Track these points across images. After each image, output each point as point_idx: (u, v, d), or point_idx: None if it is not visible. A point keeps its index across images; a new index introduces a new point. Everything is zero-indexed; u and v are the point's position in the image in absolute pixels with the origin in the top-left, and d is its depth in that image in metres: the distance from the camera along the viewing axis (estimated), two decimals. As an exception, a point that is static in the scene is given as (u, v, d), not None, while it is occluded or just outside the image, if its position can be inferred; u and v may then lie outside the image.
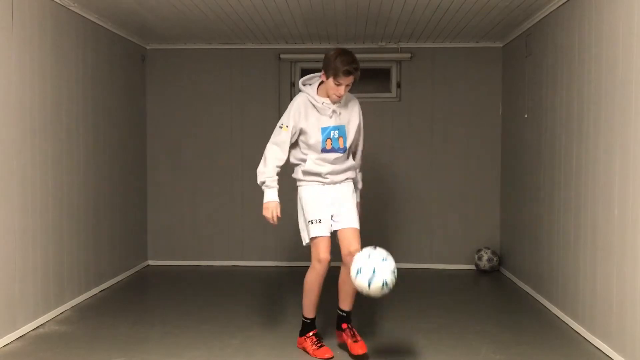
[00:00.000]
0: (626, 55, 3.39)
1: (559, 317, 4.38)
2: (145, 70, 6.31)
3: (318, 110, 3.52)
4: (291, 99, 6.30)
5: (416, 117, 6.27)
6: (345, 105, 3.61)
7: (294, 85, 6.28)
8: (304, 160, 3.56)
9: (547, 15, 4.70)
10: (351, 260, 3.28)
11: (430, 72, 6.25)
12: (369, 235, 6.33)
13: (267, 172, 3.50)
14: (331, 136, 3.52)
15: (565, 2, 4.34)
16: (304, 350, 3.63)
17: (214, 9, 4.80)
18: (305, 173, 3.56)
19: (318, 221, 3.48)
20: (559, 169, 4.45)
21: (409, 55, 6.20)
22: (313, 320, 3.67)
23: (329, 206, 3.54)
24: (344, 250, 3.51)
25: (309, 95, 3.54)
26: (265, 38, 5.95)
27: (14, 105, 3.83)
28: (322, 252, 3.47)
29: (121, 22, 5.29)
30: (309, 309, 3.65)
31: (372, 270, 3.10)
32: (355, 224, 3.57)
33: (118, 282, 5.51)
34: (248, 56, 6.30)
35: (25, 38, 3.96)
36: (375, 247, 3.20)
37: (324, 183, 3.57)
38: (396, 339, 3.94)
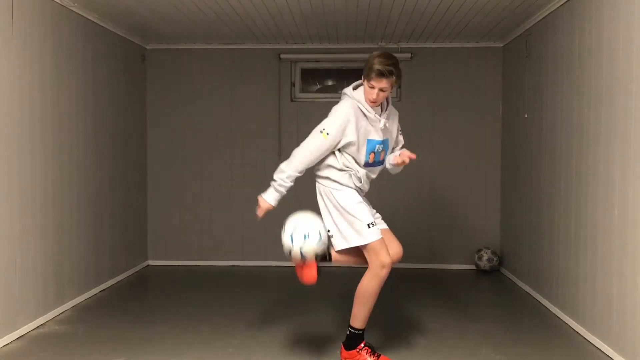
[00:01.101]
0: (626, 55, 3.39)
1: (559, 317, 4.37)
2: (145, 70, 6.31)
3: (369, 121, 3.28)
4: (291, 99, 6.39)
5: (416, 117, 6.26)
6: (391, 116, 3.42)
7: (294, 85, 6.29)
8: (358, 176, 3.33)
9: (547, 15, 4.70)
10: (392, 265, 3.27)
11: (430, 72, 6.25)
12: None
13: (285, 174, 3.25)
14: (375, 150, 3.33)
15: (565, 2, 4.33)
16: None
17: (214, 9, 4.80)
18: (347, 184, 3.33)
19: (373, 224, 3.27)
20: (559, 168, 4.45)
21: (409, 55, 6.20)
22: (363, 331, 3.40)
23: (371, 210, 3.42)
24: (396, 255, 3.37)
25: (359, 103, 3.26)
26: (265, 38, 5.94)
27: (14, 105, 3.83)
28: (385, 256, 3.23)
29: (121, 22, 5.29)
30: (362, 320, 3.35)
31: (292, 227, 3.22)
32: (385, 224, 3.48)
33: (118, 282, 5.51)
34: (248, 56, 6.30)
35: (25, 38, 3.96)
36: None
37: (361, 193, 3.43)
38: (396, 339, 3.93)
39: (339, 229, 3.30)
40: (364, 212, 3.28)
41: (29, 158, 4.01)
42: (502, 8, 4.75)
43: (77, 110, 4.72)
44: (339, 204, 3.30)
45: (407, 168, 6.24)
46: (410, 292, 5.27)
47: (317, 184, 3.41)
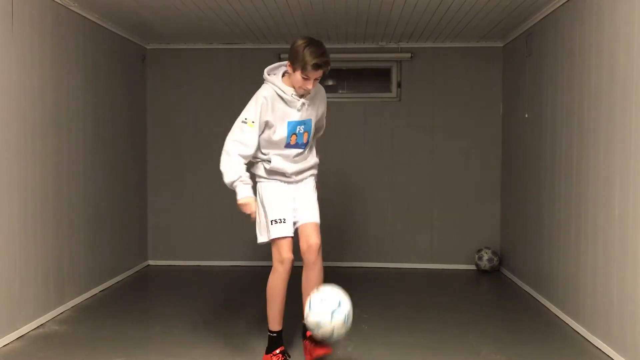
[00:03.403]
0: (627, 55, 3.39)
1: (559, 317, 4.37)
2: (145, 70, 6.30)
3: (286, 103, 3.25)
4: (291, 99, 6.37)
5: (416, 116, 6.27)
6: (313, 96, 3.33)
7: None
8: (269, 160, 3.31)
9: (547, 15, 4.70)
10: (311, 256, 3.19)
11: (431, 72, 6.25)
12: (370, 235, 6.36)
13: (237, 170, 3.21)
14: (297, 131, 3.28)
15: (565, 2, 4.33)
16: None
17: (214, 9, 4.80)
18: (270, 172, 3.33)
19: (282, 221, 3.24)
20: (559, 168, 4.45)
21: (409, 55, 6.20)
22: (279, 333, 3.36)
23: (292, 203, 3.33)
24: (304, 244, 3.28)
25: (275, 86, 3.24)
26: (265, 38, 5.94)
27: (14, 105, 3.83)
28: (284, 252, 3.22)
29: (121, 22, 5.29)
30: (274, 321, 3.33)
31: (338, 302, 2.96)
32: (316, 218, 3.35)
33: (118, 282, 5.51)
34: (248, 56, 6.30)
35: (25, 38, 3.96)
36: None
37: (287, 182, 3.36)
38: (396, 339, 3.93)
39: (258, 220, 3.34)
40: (277, 207, 3.27)
41: (29, 158, 4.01)
42: (502, 8, 4.75)
43: (77, 110, 4.72)
44: (260, 195, 3.35)
45: (407, 168, 6.26)
46: (411, 292, 5.27)
47: None
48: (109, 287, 5.29)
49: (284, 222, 3.25)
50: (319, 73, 3.15)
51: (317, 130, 3.51)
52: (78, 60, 4.74)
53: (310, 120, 3.33)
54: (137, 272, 5.99)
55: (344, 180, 6.25)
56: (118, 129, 5.57)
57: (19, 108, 3.89)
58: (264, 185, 3.38)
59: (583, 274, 3.98)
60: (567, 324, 4.21)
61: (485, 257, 6.02)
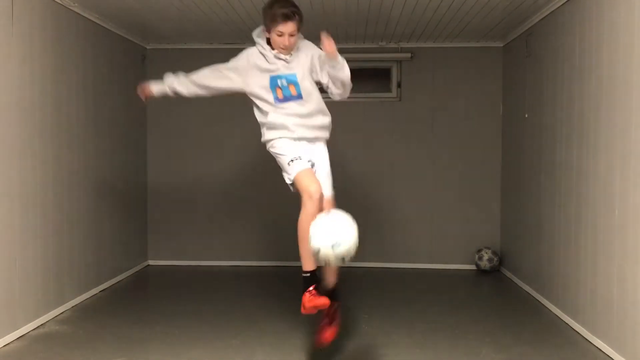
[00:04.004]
0: (627, 54, 3.39)
1: (559, 317, 4.37)
2: (146, 70, 6.30)
3: (267, 59, 3.27)
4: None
5: (416, 116, 6.27)
6: (298, 51, 3.31)
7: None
8: (267, 116, 3.31)
9: (547, 15, 4.70)
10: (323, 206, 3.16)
11: (431, 72, 6.25)
12: (370, 235, 6.35)
13: (178, 80, 3.42)
14: (279, 84, 3.25)
15: (565, 2, 4.33)
16: (307, 306, 3.17)
17: (214, 8, 4.80)
18: (271, 127, 3.30)
19: (298, 158, 3.20)
20: (559, 168, 4.45)
21: (409, 55, 6.20)
22: (314, 272, 3.20)
23: (307, 152, 3.28)
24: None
25: (259, 45, 3.30)
26: (265, 38, 5.94)
27: (14, 105, 3.83)
28: (311, 184, 3.11)
29: (121, 22, 5.29)
30: (308, 260, 3.16)
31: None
32: (330, 193, 3.31)
33: (118, 282, 5.50)
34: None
35: (25, 38, 3.96)
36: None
37: (294, 138, 3.30)
38: (396, 338, 3.93)
39: (284, 174, 3.30)
40: (291, 150, 3.25)
41: (29, 158, 4.01)
42: (502, 8, 4.75)
43: (77, 110, 4.72)
44: (276, 154, 3.33)
45: (408, 168, 6.26)
46: (411, 292, 5.27)
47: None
48: (109, 287, 5.29)
49: (300, 159, 3.21)
50: (290, 26, 3.16)
51: (332, 82, 3.34)
52: (78, 60, 4.73)
53: (294, 74, 3.28)
54: (137, 272, 5.99)
55: (343, 180, 6.25)
56: (118, 129, 5.57)
57: (19, 108, 3.89)
58: (275, 142, 3.32)
59: (583, 274, 3.98)
60: (567, 324, 4.21)
61: (485, 257, 6.02)
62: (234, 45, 6.25)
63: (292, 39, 3.21)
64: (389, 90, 6.33)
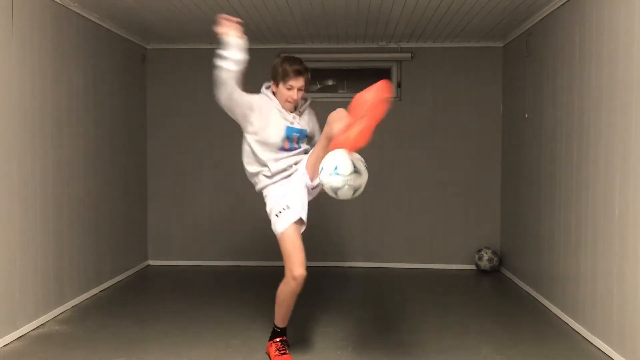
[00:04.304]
0: (627, 54, 3.39)
1: (559, 317, 4.37)
2: (146, 70, 6.31)
3: (280, 113, 3.41)
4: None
5: (416, 116, 6.27)
6: (302, 113, 3.52)
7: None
8: (266, 165, 3.42)
9: (547, 15, 4.70)
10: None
11: (431, 71, 6.25)
12: (370, 235, 6.36)
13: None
14: (292, 137, 3.42)
15: (565, 2, 4.34)
16: (268, 355, 3.54)
17: (214, 8, 4.80)
18: (273, 176, 3.43)
19: (286, 207, 3.30)
20: (559, 168, 4.45)
21: (409, 55, 6.20)
22: (284, 329, 3.54)
23: (299, 193, 3.37)
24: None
25: (267, 96, 3.45)
26: (265, 38, 5.94)
27: (14, 105, 3.83)
28: (296, 268, 3.23)
29: (121, 22, 5.29)
30: (280, 319, 3.51)
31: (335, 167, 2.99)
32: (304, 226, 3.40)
33: (118, 282, 5.51)
34: (248, 56, 6.28)
35: (25, 38, 3.96)
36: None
37: (288, 175, 3.43)
38: (396, 338, 3.93)
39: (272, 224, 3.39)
40: (273, 203, 3.36)
41: (29, 158, 4.01)
42: (502, 8, 4.75)
43: (77, 110, 4.72)
44: (267, 203, 3.45)
45: (408, 168, 6.26)
46: (410, 292, 5.27)
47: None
48: (109, 287, 5.29)
49: (288, 208, 3.30)
50: (300, 81, 3.35)
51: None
52: (78, 60, 4.74)
53: (305, 130, 3.50)
54: (137, 272, 5.99)
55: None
56: (118, 129, 5.57)
57: (19, 108, 3.89)
58: (267, 192, 3.48)
59: (583, 274, 3.98)
60: (567, 324, 4.21)
61: (485, 257, 6.02)
62: (234, 45, 6.26)
63: (300, 94, 3.38)
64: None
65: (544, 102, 4.80)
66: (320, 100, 6.21)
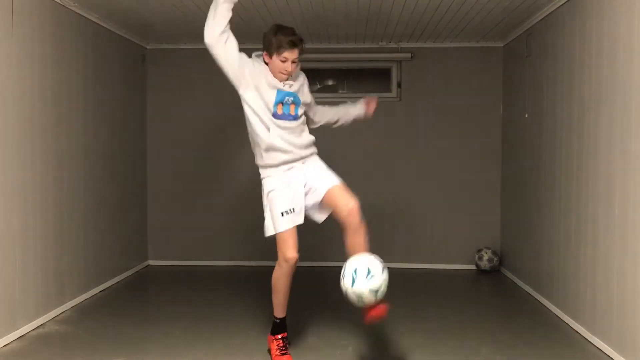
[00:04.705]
0: (627, 54, 3.39)
1: (559, 317, 4.37)
2: (146, 70, 6.30)
3: (271, 78, 3.32)
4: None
5: (416, 116, 6.27)
6: (295, 79, 3.41)
7: (294, 85, 6.29)
8: (261, 135, 3.30)
9: (547, 15, 4.70)
10: (354, 219, 3.24)
11: (431, 72, 6.25)
12: (370, 235, 6.33)
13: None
14: (284, 101, 3.30)
15: (565, 2, 4.33)
16: (269, 351, 3.53)
17: (214, 8, 4.80)
18: (269, 149, 3.31)
19: (291, 210, 3.28)
20: (559, 168, 4.45)
21: (409, 55, 6.20)
22: (283, 320, 3.51)
23: (302, 190, 3.35)
24: (343, 209, 3.29)
25: (260, 63, 3.35)
26: (265, 38, 5.94)
27: (14, 105, 3.83)
28: (289, 251, 3.30)
29: (121, 22, 5.29)
30: (278, 308, 3.50)
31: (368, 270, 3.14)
32: (337, 181, 3.37)
33: (118, 282, 5.50)
34: (248, 56, 6.28)
35: (25, 38, 3.96)
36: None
37: (290, 166, 3.35)
38: (396, 339, 3.93)
39: (266, 214, 3.41)
40: (278, 200, 3.31)
41: (29, 158, 4.01)
42: (502, 8, 4.75)
43: (77, 110, 4.72)
44: (265, 192, 3.40)
45: (407, 168, 6.26)
46: (410, 292, 5.27)
47: None
48: (109, 287, 5.29)
49: (293, 212, 3.31)
50: (295, 52, 3.25)
51: (312, 111, 3.62)
52: (78, 60, 4.74)
53: (297, 95, 3.39)
54: (137, 272, 5.99)
55: (343, 180, 6.24)
56: (118, 129, 5.57)
57: (19, 108, 3.89)
58: (267, 181, 3.41)
59: (583, 274, 3.98)
60: (567, 324, 4.21)
61: (485, 257, 6.02)
62: (234, 45, 6.26)
63: (294, 66, 3.30)
64: (389, 90, 6.33)
65: (544, 102, 4.80)
66: (320, 100, 6.20)
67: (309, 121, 3.62)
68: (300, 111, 3.43)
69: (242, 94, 3.37)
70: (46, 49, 4.23)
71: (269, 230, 3.39)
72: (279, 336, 3.49)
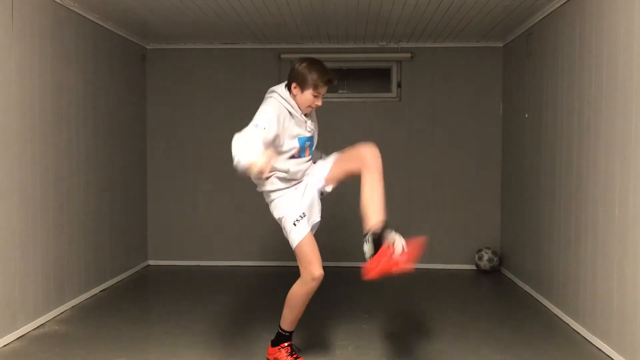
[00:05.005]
0: (627, 54, 3.39)
1: (559, 317, 4.37)
2: (146, 70, 6.30)
3: (295, 121, 3.27)
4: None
5: (416, 116, 6.27)
6: (311, 116, 3.42)
7: (294, 85, 6.28)
8: (275, 173, 3.27)
9: (547, 15, 4.70)
10: (373, 166, 3.20)
11: (431, 72, 6.25)
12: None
13: (254, 149, 3.00)
14: (304, 146, 3.34)
15: (565, 2, 4.33)
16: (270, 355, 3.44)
17: (214, 9, 4.80)
18: (283, 180, 3.31)
19: (303, 215, 3.25)
20: (559, 168, 4.45)
21: (409, 55, 6.20)
22: (291, 333, 3.42)
23: (310, 195, 3.35)
24: (356, 161, 3.26)
25: (287, 103, 3.26)
26: (265, 38, 5.94)
27: (14, 105, 3.83)
28: (316, 268, 3.18)
29: (121, 22, 5.29)
30: (289, 322, 3.37)
31: None
32: (334, 155, 3.37)
33: (118, 282, 5.50)
34: (248, 56, 6.30)
35: (25, 38, 3.96)
36: None
37: (297, 183, 3.36)
38: (396, 338, 3.93)
39: (285, 231, 3.31)
40: (291, 211, 3.26)
41: (29, 158, 4.01)
42: (502, 8, 4.75)
43: (77, 110, 4.72)
44: (278, 212, 3.33)
45: (407, 168, 6.26)
46: (411, 292, 5.27)
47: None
48: (109, 287, 5.29)
49: (304, 216, 3.26)
50: (326, 90, 3.27)
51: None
52: (78, 60, 4.74)
53: (313, 137, 3.42)
54: (137, 272, 5.99)
55: (343, 180, 6.25)
56: (118, 129, 5.57)
57: (19, 108, 3.89)
58: (277, 201, 3.35)
59: (583, 274, 3.98)
60: (567, 324, 4.21)
61: (485, 257, 6.02)
62: (233, 45, 6.26)
63: (321, 101, 3.30)
64: (389, 90, 6.33)
65: (544, 102, 4.80)
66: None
67: None
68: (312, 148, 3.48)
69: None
70: (46, 48, 4.23)
71: (294, 243, 3.27)
72: (286, 344, 3.40)
